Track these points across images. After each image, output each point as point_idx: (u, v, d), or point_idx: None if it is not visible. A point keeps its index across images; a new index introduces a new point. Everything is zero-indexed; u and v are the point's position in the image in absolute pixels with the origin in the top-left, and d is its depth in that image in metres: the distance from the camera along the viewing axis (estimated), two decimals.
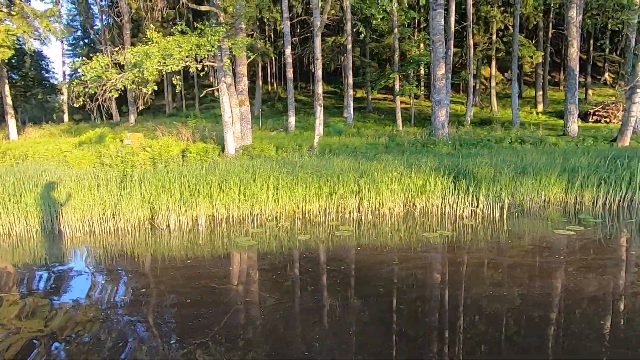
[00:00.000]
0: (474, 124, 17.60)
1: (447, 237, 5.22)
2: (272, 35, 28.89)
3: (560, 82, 25.35)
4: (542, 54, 20.95)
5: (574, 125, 11.78)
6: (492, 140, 10.84)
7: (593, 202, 6.78)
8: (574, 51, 11.75)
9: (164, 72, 7.24)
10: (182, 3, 8.89)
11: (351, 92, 18.75)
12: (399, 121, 17.44)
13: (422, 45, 20.64)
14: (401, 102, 23.81)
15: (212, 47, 7.30)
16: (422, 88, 25.03)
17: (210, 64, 8.19)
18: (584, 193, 6.88)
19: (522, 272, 4.10)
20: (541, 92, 22.60)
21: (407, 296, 3.62)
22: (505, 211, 6.23)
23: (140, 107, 22.33)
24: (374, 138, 12.54)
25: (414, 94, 19.35)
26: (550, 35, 22.13)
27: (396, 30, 16.84)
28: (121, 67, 6.97)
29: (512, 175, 6.85)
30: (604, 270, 4.07)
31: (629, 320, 3.10)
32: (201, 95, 21.07)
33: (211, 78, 29.41)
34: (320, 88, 10.61)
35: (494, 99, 21.78)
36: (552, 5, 18.91)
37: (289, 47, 15.77)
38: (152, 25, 8.03)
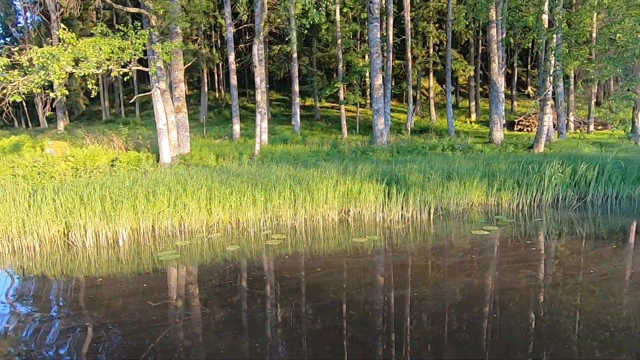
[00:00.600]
0: (414, 132, 18.56)
1: (375, 241, 5.39)
2: (219, 42, 28.31)
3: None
4: (473, 68, 22.73)
5: (498, 133, 12.89)
6: (427, 147, 11.50)
7: (510, 204, 7.42)
8: (495, 66, 12.92)
9: (79, 75, 6.70)
10: (104, 3, 8.33)
11: (297, 100, 18.90)
12: (344, 129, 17.87)
13: (366, 56, 21.45)
14: (347, 111, 24.46)
15: (137, 50, 6.93)
16: (368, 97, 25.94)
17: (138, 68, 7.78)
18: (502, 195, 7.51)
19: (438, 271, 4.35)
20: (474, 103, 24.45)
21: (328, 300, 3.66)
22: (431, 214, 6.58)
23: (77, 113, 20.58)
24: (318, 146, 12.70)
25: (359, 103, 19.96)
26: (480, 51, 24.12)
27: (339, 41, 17.33)
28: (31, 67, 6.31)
29: (440, 181, 7.29)
30: (510, 266, 4.45)
31: (522, 310, 3.40)
32: (130, 101, 19.95)
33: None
34: (260, 95, 10.55)
35: (432, 108, 23.14)
36: (480, 24, 20.62)
37: (233, 53, 15.54)
38: (62, 25, 7.44)
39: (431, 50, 23.12)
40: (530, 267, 4.41)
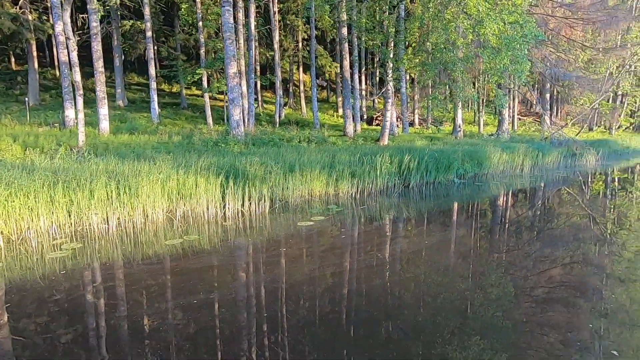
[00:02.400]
0: (284, 124, 18.74)
1: (191, 242, 4.92)
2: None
3: (361, 92, 30.10)
4: (338, 64, 24.22)
5: (350, 127, 13.96)
6: (284, 139, 11.60)
7: (347, 193, 7.95)
8: (347, 64, 13.88)
9: None
10: None
11: (154, 85, 16.93)
12: (210, 119, 16.82)
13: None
14: (216, 99, 23.24)
15: None
16: None
17: None
18: (340, 185, 7.99)
19: (239, 270, 4.17)
20: (341, 98, 26.14)
21: (108, 317, 3.09)
22: (269, 208, 6.52)
23: None
24: (169, 136, 11.53)
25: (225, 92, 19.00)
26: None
27: (200, 23, 16.08)
28: None
29: (282, 173, 7.30)
30: (318, 255, 4.60)
31: (316, 299, 3.48)
32: None
33: None
34: (77, 75, 8.86)
35: (303, 101, 23.81)
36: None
37: (61, 22, 12.76)
38: None
39: (300, 44, 23.65)
40: (336, 255, 4.65)
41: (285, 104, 26.65)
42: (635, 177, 12.93)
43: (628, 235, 5.75)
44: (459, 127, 15.84)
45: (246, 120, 15.39)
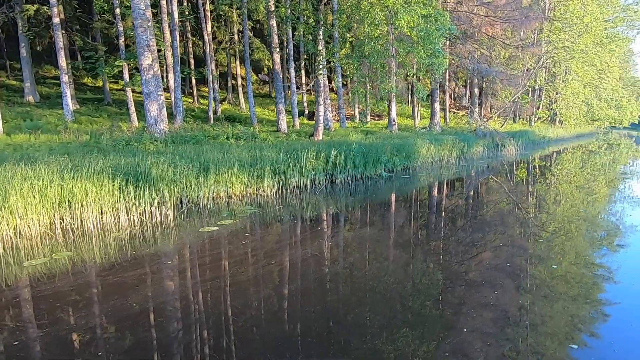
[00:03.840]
0: (219, 120, 17.81)
1: (58, 261, 4.15)
2: None
3: (301, 86, 29.67)
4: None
5: (284, 122, 13.55)
6: (211, 136, 10.88)
7: (270, 192, 7.54)
8: (277, 57, 13.42)
9: None
10: None
11: (66, 78, 15.12)
12: (134, 115, 15.42)
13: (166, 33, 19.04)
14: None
15: None
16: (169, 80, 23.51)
17: None
18: (263, 184, 7.56)
19: (106, 292, 3.52)
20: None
21: None
22: (172, 213, 5.91)
23: None
24: (76, 136, 10.27)
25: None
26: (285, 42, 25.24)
27: (117, 10, 14.61)
28: None
29: (194, 173, 6.69)
30: (202, 271, 4.13)
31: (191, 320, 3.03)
32: None
33: None
34: None
35: (242, 97, 22.93)
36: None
37: None
38: None
39: (236, 37, 22.68)
40: (227, 266, 4.20)
41: (223, 99, 25.53)
42: (552, 164, 14.07)
43: (547, 217, 6.23)
44: (394, 120, 16.13)
45: (176, 116, 14.34)
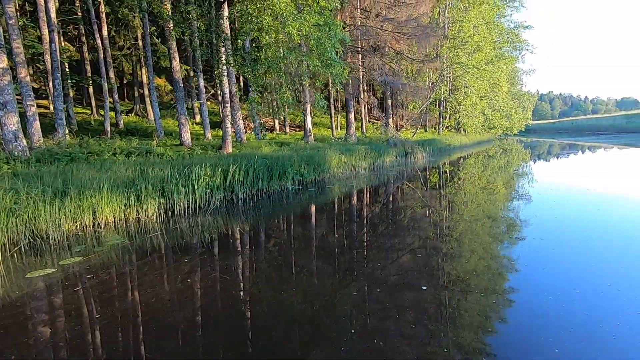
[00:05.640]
0: (121, 134, 15.91)
1: None
2: None
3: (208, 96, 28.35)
4: (189, 66, 22.22)
5: (187, 135, 12.49)
6: (93, 153, 9.42)
7: (153, 215, 6.57)
8: (176, 64, 12.39)
9: None
10: None
11: None
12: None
13: (35, 32, 16.55)
14: (39, 106, 18.57)
15: None
16: (73, 90, 20.62)
17: None
18: (145, 207, 6.57)
19: None
20: (197, 104, 24.13)
21: None
22: (5, 251, 4.69)
23: None
24: None
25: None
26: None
27: None
28: None
29: (49, 198, 5.48)
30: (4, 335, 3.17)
31: None
32: None
33: None
34: None
35: (149, 107, 21.04)
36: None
37: None
38: None
39: (140, 42, 20.80)
40: (33, 326, 3.32)
41: (130, 111, 23.24)
42: (457, 169, 15.09)
43: (458, 219, 6.41)
44: (309, 131, 15.99)
45: (58, 129, 12.36)
